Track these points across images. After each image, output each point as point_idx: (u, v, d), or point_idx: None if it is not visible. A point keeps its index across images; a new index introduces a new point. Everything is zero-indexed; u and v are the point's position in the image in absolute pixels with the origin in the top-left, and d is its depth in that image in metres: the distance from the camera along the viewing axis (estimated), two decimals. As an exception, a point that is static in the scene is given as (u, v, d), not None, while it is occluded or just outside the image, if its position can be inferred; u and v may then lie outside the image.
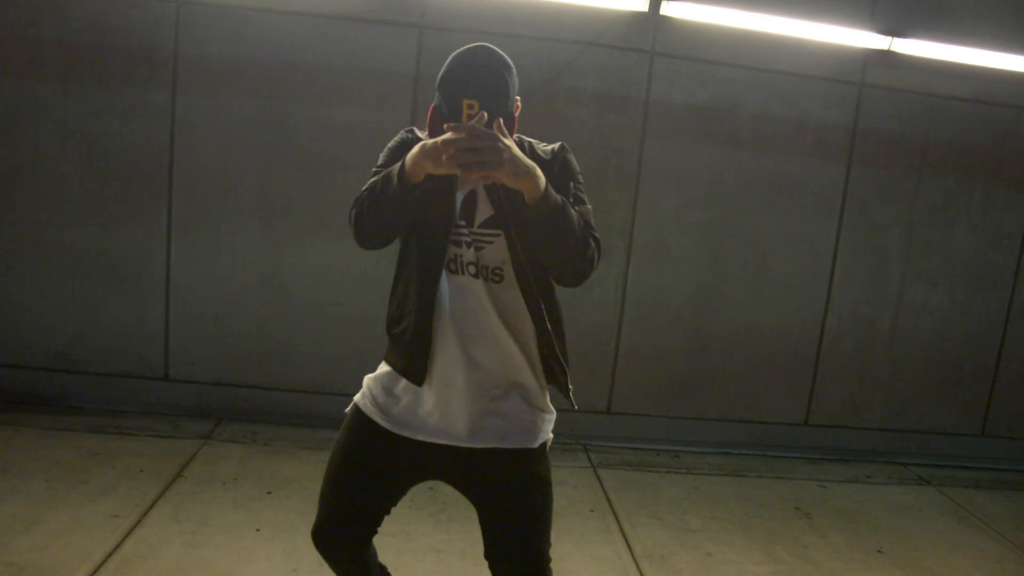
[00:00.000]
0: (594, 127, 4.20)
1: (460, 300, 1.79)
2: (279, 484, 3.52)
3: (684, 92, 4.24)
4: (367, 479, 1.88)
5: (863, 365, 4.56)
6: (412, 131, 1.90)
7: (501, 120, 1.61)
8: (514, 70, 1.77)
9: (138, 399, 4.14)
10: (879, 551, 3.49)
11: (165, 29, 3.89)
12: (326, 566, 1.99)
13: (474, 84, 1.68)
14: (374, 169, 1.82)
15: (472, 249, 1.78)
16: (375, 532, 1.95)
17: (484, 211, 1.79)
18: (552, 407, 1.91)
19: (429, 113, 1.78)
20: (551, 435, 1.91)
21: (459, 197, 1.80)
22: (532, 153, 1.85)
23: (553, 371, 1.85)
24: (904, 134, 4.41)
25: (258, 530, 3.11)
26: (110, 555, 2.82)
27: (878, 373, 4.58)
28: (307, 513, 3.11)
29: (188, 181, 4.01)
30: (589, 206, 1.84)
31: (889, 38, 4.25)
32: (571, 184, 1.84)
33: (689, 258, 4.37)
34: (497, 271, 1.79)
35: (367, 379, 1.96)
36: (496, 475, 1.84)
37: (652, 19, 4.10)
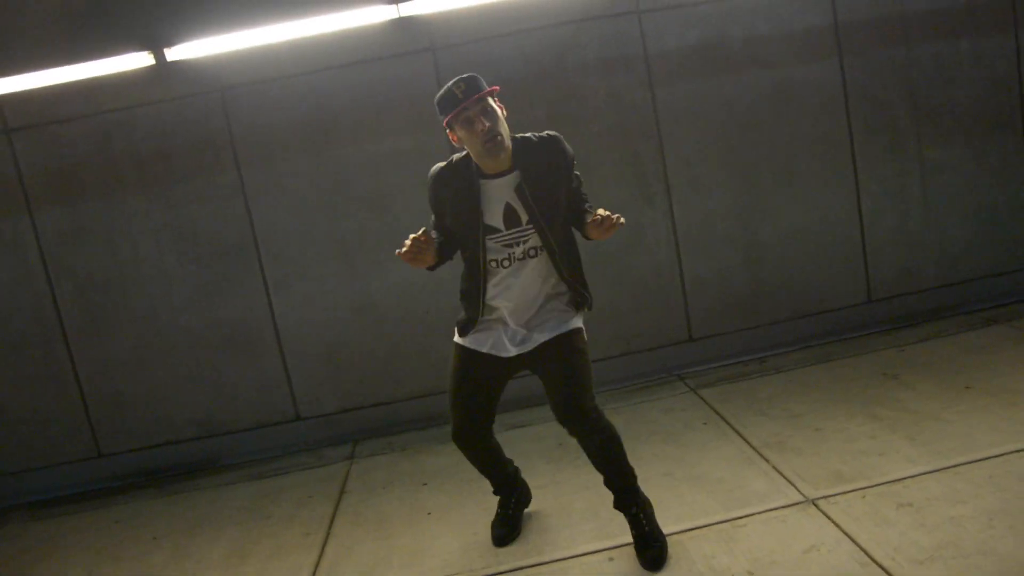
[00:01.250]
0: (606, 91, 4.59)
1: (517, 276, 2.75)
2: (429, 476, 3.96)
3: (676, 38, 4.61)
4: (477, 386, 2.84)
5: (906, 233, 4.90)
6: (435, 169, 2.76)
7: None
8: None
9: (279, 443, 4.62)
10: (967, 387, 3.84)
11: (217, 115, 4.36)
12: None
13: (456, 82, 2.57)
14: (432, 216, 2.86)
15: (522, 244, 2.72)
16: (492, 423, 2.94)
17: (524, 215, 2.69)
18: (576, 309, 2.84)
19: (449, 134, 2.70)
20: (582, 324, 2.85)
21: (498, 213, 2.68)
22: (527, 148, 2.69)
23: (575, 287, 2.81)
24: (882, 15, 4.73)
25: (429, 514, 3.56)
26: (318, 561, 3.28)
27: (922, 236, 4.92)
28: (463, 492, 3.61)
29: (271, 242, 4.48)
30: (582, 180, 2.84)
31: (846, -66, 4.58)
32: (574, 172, 2.78)
33: (722, 182, 4.75)
34: (532, 250, 2.74)
35: (457, 330, 2.90)
36: (545, 355, 2.77)
37: (630, -19, 4.49)
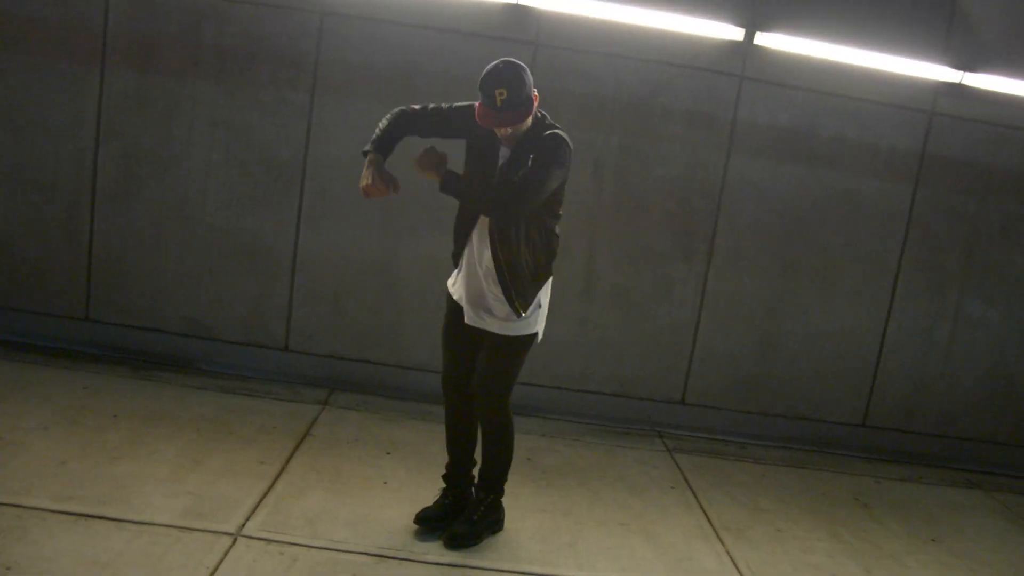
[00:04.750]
0: (684, 141, 4.60)
1: (479, 233, 2.98)
2: (396, 447, 3.96)
3: (768, 114, 4.62)
4: (460, 328, 3.07)
5: (920, 373, 4.91)
6: (473, 106, 2.86)
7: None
8: (527, 72, 2.78)
9: (261, 366, 4.61)
10: (933, 540, 3.84)
11: (309, 37, 4.36)
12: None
13: (502, 81, 2.70)
14: (434, 107, 3.04)
15: None
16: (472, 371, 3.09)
17: None
18: (518, 322, 2.99)
19: (477, 107, 2.80)
20: (518, 333, 3.01)
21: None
22: (532, 137, 2.83)
23: (506, 278, 2.92)
24: (969, 161, 4.75)
25: (385, 483, 3.55)
26: (266, 492, 3.28)
27: (934, 382, 4.92)
28: (424, 470, 3.61)
29: (320, 174, 4.48)
30: (537, 175, 2.76)
31: (961, 72, 4.59)
32: (531, 157, 2.79)
33: (764, 266, 4.75)
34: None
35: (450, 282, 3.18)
36: (485, 341, 3.04)
37: (744, 47, 4.49)
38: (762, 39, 4.45)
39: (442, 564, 2.95)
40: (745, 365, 4.82)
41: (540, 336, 3.13)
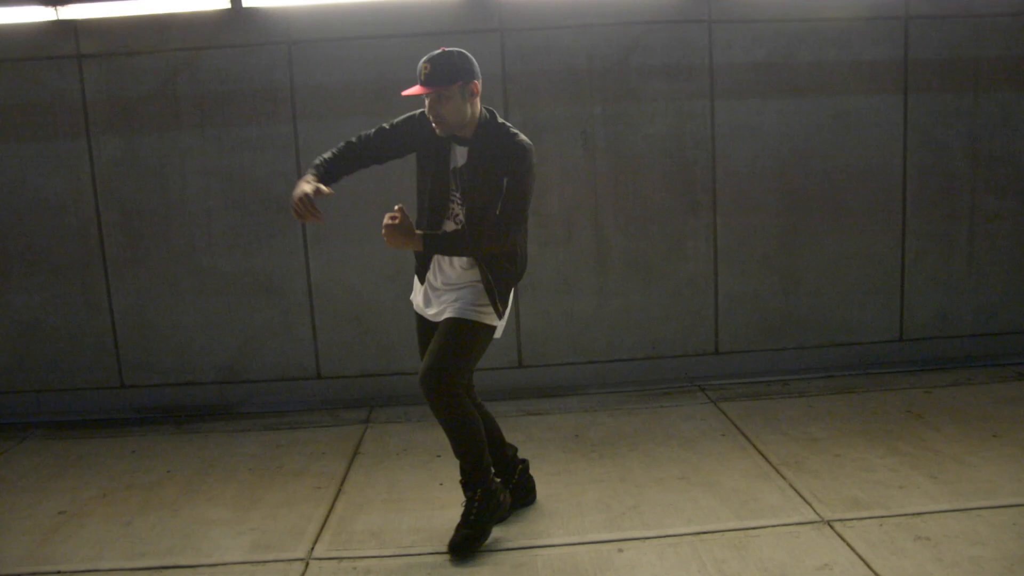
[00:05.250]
0: (667, 96, 4.60)
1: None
2: (444, 449, 3.91)
3: (744, 52, 4.61)
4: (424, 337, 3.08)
5: (947, 277, 4.87)
6: (419, 112, 2.89)
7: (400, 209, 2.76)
8: (459, 56, 2.77)
9: (298, 398, 4.66)
10: (994, 436, 3.80)
11: (281, 68, 4.41)
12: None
13: (428, 59, 2.74)
14: (376, 129, 2.98)
15: (455, 206, 2.90)
16: None
17: (456, 187, 2.89)
18: (486, 307, 2.90)
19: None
20: (480, 319, 2.89)
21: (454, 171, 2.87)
22: (490, 136, 2.82)
23: (486, 276, 2.87)
24: (954, 58, 4.70)
25: (441, 484, 3.58)
26: (328, 515, 3.31)
27: (963, 282, 4.88)
28: None
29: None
30: (519, 203, 2.79)
31: (927, -29, 4.56)
32: (505, 180, 2.77)
33: (768, 203, 4.74)
34: (459, 221, 2.89)
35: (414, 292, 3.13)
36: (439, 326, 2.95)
37: (707, -10, 4.50)
38: (723, -21, 4.45)
39: (513, 549, 2.96)
40: (771, 304, 4.81)
41: (499, 333, 3.05)
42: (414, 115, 2.94)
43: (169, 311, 4.59)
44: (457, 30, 4.42)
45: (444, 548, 2.96)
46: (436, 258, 2.98)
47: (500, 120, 2.89)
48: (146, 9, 4.30)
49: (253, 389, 4.65)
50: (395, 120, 2.99)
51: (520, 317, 4.70)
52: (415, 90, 2.75)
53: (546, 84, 4.53)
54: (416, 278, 3.13)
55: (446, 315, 2.92)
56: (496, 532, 3.06)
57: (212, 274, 4.57)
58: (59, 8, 4.31)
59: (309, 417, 4.51)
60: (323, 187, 2.80)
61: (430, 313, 3.04)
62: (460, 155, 2.89)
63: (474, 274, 2.92)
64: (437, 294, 3.00)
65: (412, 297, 3.17)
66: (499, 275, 2.90)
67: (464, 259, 2.91)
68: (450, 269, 2.96)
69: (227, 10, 4.33)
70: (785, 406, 4.36)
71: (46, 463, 3.98)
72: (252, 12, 4.35)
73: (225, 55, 4.39)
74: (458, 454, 3.01)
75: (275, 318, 4.63)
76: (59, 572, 2.91)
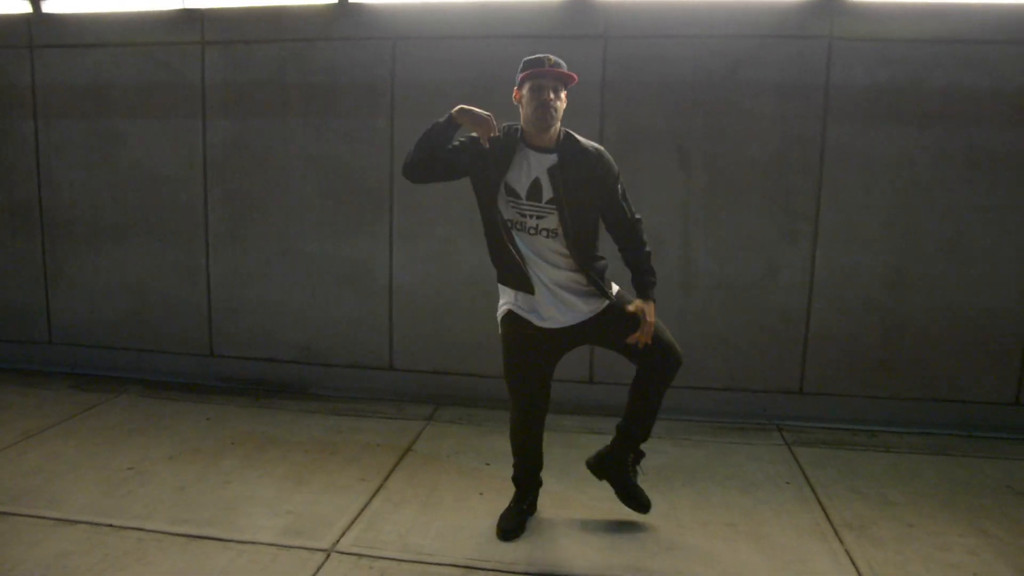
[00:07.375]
0: (774, 116, 4.33)
1: (534, 248, 2.91)
2: (495, 457, 3.96)
3: (865, 73, 4.26)
4: (541, 359, 3.05)
5: (1081, 341, 4.32)
6: (475, 139, 2.90)
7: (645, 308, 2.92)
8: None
9: (368, 387, 4.78)
10: (1106, 530, 3.34)
11: (384, 63, 4.51)
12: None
13: (549, 55, 2.84)
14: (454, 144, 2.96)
15: (535, 219, 2.87)
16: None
17: (547, 193, 2.85)
18: (602, 292, 2.95)
19: (515, 91, 2.92)
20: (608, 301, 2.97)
21: (524, 181, 2.86)
22: (574, 144, 2.87)
23: (592, 276, 2.92)
24: (1119, 94, 4.15)
25: (481, 494, 3.55)
26: (363, 508, 3.36)
27: (1100, 349, 4.32)
28: None
29: (406, 196, 4.60)
30: (628, 199, 2.99)
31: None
32: (618, 185, 2.94)
33: (878, 239, 4.37)
34: (553, 231, 2.88)
35: (505, 305, 3.06)
36: (593, 327, 2.98)
37: (830, 4, 4.18)
38: (846, -6, 4.13)
39: (531, 573, 2.90)
40: (868, 347, 4.44)
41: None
42: (470, 138, 2.95)
43: (259, 288, 4.82)
44: (559, 35, 4.36)
45: (462, 561, 2.94)
46: (534, 263, 2.93)
47: (572, 131, 2.97)
48: (264, 1, 4.50)
49: (327, 373, 4.81)
50: (451, 144, 2.95)
51: (595, 331, 4.59)
52: (549, 79, 2.81)
53: (645, 94, 4.38)
54: (518, 293, 3.00)
55: (606, 306, 2.96)
56: (515, 554, 3.01)
57: (301, 257, 4.76)
58: (188, -3, 4.62)
59: (375, 407, 4.61)
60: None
61: (567, 318, 2.96)
62: (539, 162, 2.87)
63: (586, 286, 2.97)
64: (560, 296, 2.95)
65: (524, 315, 2.99)
66: (597, 270, 2.98)
67: (562, 258, 2.92)
68: (552, 270, 2.94)
69: (336, 5, 4.47)
70: (865, 459, 4.02)
71: (132, 418, 4.30)
72: (359, 7, 4.47)
73: (332, 48, 4.55)
74: (649, 430, 3.20)
75: (355, 306, 4.76)
76: (111, 525, 3.13)
